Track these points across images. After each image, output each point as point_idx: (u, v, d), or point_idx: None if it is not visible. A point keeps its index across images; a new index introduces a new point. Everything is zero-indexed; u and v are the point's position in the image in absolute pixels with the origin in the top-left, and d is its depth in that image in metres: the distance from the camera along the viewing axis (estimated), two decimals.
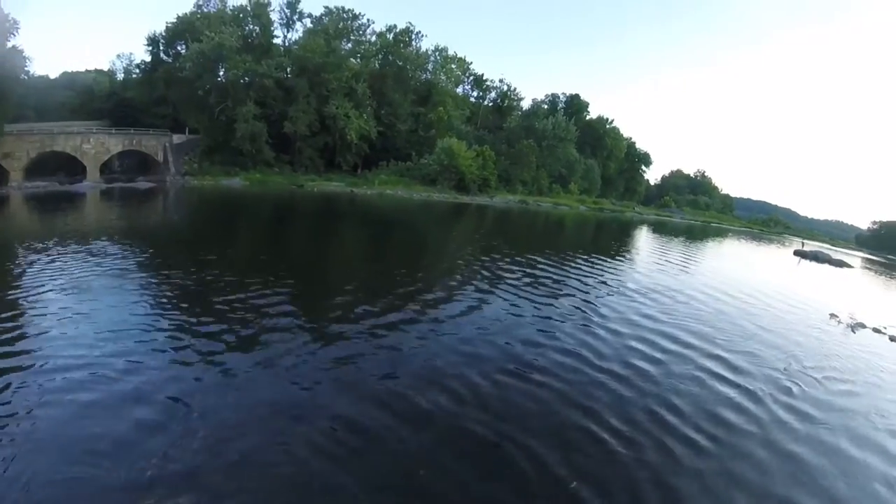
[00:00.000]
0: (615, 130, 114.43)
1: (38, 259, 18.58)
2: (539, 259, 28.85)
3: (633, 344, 15.09)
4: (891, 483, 9.37)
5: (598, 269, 28.44)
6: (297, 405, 9.72)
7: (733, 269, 37.93)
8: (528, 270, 25.12)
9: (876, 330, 21.76)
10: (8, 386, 9.30)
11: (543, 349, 14.03)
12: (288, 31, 76.72)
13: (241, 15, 68.93)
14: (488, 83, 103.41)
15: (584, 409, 10.66)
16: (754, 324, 19.75)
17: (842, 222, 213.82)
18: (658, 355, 14.26)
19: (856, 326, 21.72)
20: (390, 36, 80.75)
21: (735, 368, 13.97)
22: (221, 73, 65.54)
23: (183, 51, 68.67)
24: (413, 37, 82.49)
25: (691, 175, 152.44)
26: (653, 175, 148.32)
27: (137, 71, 79.60)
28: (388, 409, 9.90)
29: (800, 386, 13.33)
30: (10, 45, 45.33)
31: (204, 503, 6.93)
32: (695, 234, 71.98)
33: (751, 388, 12.68)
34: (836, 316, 23.05)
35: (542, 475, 8.36)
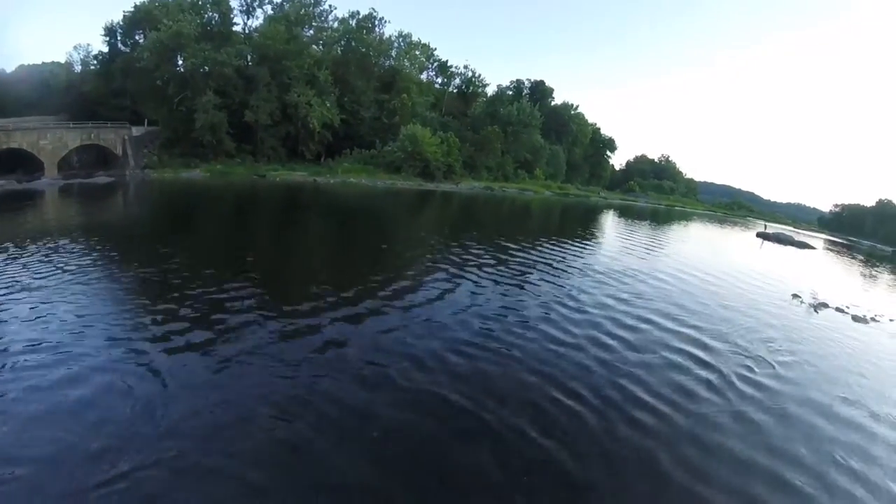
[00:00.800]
0: (580, 116, 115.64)
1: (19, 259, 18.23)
2: (506, 243, 29.29)
3: (602, 322, 15.62)
4: (845, 444, 10.04)
5: (564, 251, 29.09)
6: (273, 392, 9.82)
7: (697, 250, 39.14)
8: (496, 254, 25.55)
9: (838, 309, 22.36)
10: None
11: (514, 328, 14.48)
12: (248, 19, 75.61)
13: (199, 2, 67.50)
14: (453, 69, 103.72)
15: (554, 381, 11.20)
16: (718, 303, 20.33)
17: (804, 205, 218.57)
18: (624, 333, 14.70)
19: (818, 306, 22.23)
20: (353, 22, 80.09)
21: (699, 344, 14.42)
22: (180, 63, 64.38)
23: (141, 41, 67.54)
24: (376, 23, 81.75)
25: (655, 160, 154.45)
26: (618, 160, 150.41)
27: (95, 62, 77.94)
28: (367, 389, 10.21)
29: (764, 360, 13.82)
30: None
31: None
32: (659, 218, 73.81)
33: (715, 363, 13.08)
34: (799, 296, 23.58)
35: (517, 439, 8.92)
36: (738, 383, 12.05)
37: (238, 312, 13.81)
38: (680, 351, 13.70)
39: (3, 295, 14.15)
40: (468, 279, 19.79)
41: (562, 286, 20.27)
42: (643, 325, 15.66)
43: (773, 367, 13.47)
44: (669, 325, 16.05)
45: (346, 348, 12.19)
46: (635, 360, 12.70)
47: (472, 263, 22.64)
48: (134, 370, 10.21)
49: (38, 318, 12.66)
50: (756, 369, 13.08)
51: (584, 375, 11.63)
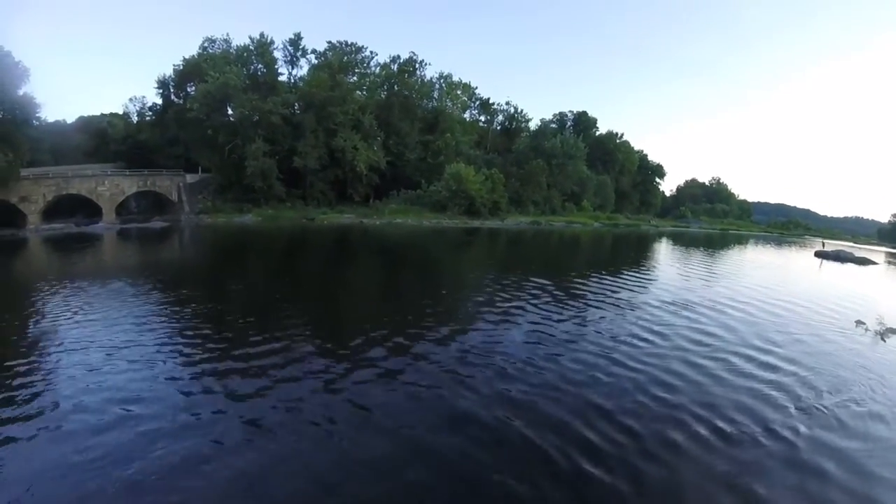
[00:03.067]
0: (626, 144, 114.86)
1: (56, 297, 19.25)
2: (555, 279, 28.87)
3: (665, 356, 15.30)
4: None
5: (617, 285, 28.29)
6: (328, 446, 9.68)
7: (754, 276, 36.75)
8: (547, 291, 25.11)
9: None
10: (26, 418, 9.71)
11: (574, 366, 14.36)
12: (293, 68, 78.24)
13: (244, 54, 70.33)
14: (495, 106, 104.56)
15: (620, 416, 11.25)
16: (779, 332, 19.27)
17: (862, 218, 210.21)
18: (684, 370, 14.26)
19: (885, 333, 20.35)
20: (394, 66, 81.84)
21: (759, 388, 13.33)
22: (229, 112, 67.03)
23: (192, 92, 70.04)
24: (417, 65, 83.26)
25: (706, 183, 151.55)
26: (668, 186, 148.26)
27: (150, 113, 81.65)
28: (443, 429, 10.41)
29: (828, 407, 12.41)
30: (21, 91, 46.74)
31: None
32: (714, 243, 71.42)
33: (775, 412, 11.94)
34: (863, 322, 21.64)
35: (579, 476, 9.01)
36: (800, 429, 11.04)
37: (293, 354, 13.97)
38: (737, 392, 12.90)
39: (66, 328, 14.98)
40: (522, 320, 19.49)
41: (618, 321, 19.92)
42: (701, 361, 15.10)
43: (838, 415, 12.03)
44: (723, 365, 15.09)
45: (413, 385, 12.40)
46: (698, 399, 12.34)
47: (526, 302, 22.31)
48: (187, 414, 10.32)
49: (99, 348, 13.39)
50: (822, 414, 11.94)
51: (650, 412, 11.54)
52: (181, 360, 13.31)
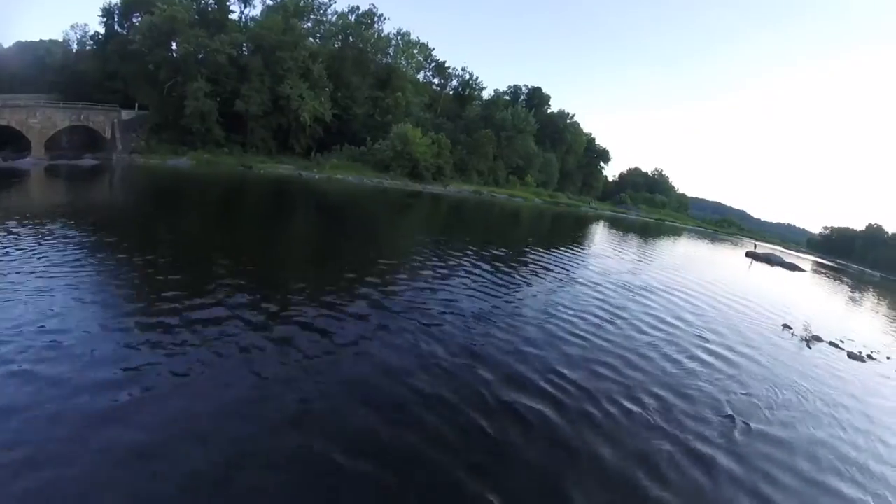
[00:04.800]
0: (576, 125, 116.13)
1: None
2: (496, 251, 29.24)
3: (587, 342, 15.23)
4: None
5: (552, 261, 28.91)
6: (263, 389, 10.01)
7: (686, 267, 37.90)
8: (484, 261, 25.44)
9: (833, 344, 20.93)
10: None
11: (499, 331, 14.99)
12: (245, 7, 76.15)
13: None
14: (450, 71, 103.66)
15: (524, 383, 11.78)
16: (705, 328, 19.36)
17: (793, 226, 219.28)
18: (604, 358, 14.15)
19: (811, 340, 20.76)
20: (352, 17, 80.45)
21: (678, 387, 13.10)
22: (173, 48, 64.56)
23: (138, 23, 67.10)
24: (376, 19, 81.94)
25: (649, 173, 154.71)
26: (611, 171, 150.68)
27: (91, 43, 77.55)
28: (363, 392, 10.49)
29: (752, 408, 12.48)
30: None
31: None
32: (650, 232, 73.68)
33: (696, 408, 11.89)
34: (790, 327, 22.13)
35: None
36: (716, 435, 10.87)
37: (215, 310, 13.63)
38: (648, 391, 12.59)
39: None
40: (457, 285, 19.91)
41: (545, 295, 20.40)
42: (619, 351, 14.94)
43: (762, 418, 12.11)
44: (649, 352, 15.19)
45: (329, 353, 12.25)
46: (608, 389, 12.25)
47: (461, 269, 22.81)
48: (118, 365, 10.08)
49: (23, 297, 12.70)
50: (743, 420, 11.72)
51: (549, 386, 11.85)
52: (106, 309, 12.92)
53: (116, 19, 73.13)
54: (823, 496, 9.54)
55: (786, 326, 22.34)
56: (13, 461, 7.19)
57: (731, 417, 11.66)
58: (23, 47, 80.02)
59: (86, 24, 79.72)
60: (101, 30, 74.96)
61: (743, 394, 13.32)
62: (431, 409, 10.12)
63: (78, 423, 8.14)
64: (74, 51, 78.99)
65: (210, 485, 7.36)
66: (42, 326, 11.31)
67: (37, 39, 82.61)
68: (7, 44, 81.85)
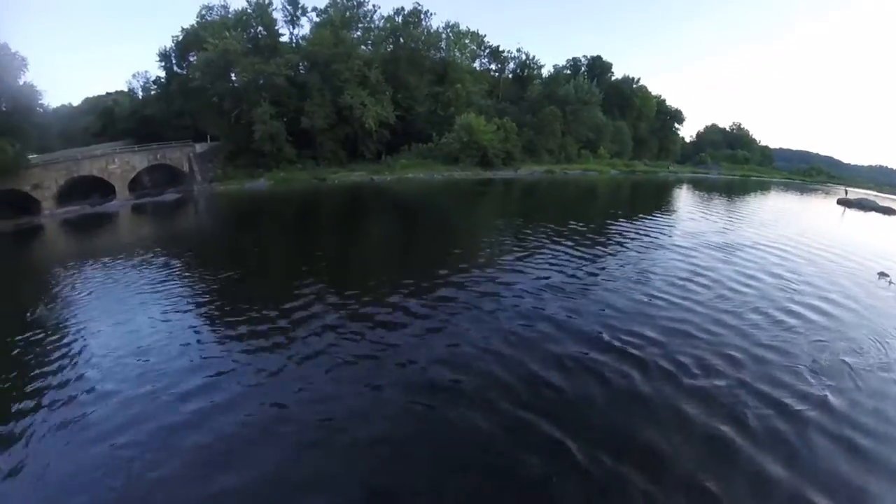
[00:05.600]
0: (643, 89, 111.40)
1: (76, 278, 19.59)
2: (574, 228, 28.68)
3: (685, 305, 15.24)
4: None
5: (635, 231, 28.24)
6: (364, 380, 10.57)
7: (776, 222, 35.69)
8: (564, 239, 25.22)
9: None
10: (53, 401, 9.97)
11: (588, 302, 15.45)
12: (294, 28, 76.56)
13: (244, 18, 68.84)
14: (505, 54, 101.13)
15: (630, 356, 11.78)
16: (798, 281, 18.60)
17: (887, 167, 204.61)
18: (703, 318, 14.16)
19: None
20: (399, 18, 79.52)
21: (778, 333, 13.04)
22: (233, 78, 65.83)
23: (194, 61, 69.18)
24: (422, 16, 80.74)
25: (727, 129, 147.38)
26: (687, 132, 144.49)
27: (154, 87, 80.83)
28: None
29: (846, 365, 11.60)
30: (21, 81, 46.33)
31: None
32: (735, 190, 70.01)
33: (787, 363, 11.53)
34: (887, 275, 20.26)
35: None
36: (812, 390, 10.36)
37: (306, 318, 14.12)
38: (752, 343, 12.42)
39: (89, 307, 15.37)
40: (543, 269, 19.70)
41: (630, 265, 20.31)
42: (718, 312, 14.69)
43: (861, 370, 11.31)
44: (741, 310, 14.93)
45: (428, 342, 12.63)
46: (710, 346, 12.20)
47: (543, 253, 22.33)
48: (218, 377, 10.77)
49: (123, 327, 13.70)
50: (834, 375, 11.08)
51: (669, 353, 11.89)
52: (206, 328, 13.79)
53: (174, 61, 75.66)
54: None
55: (882, 274, 20.60)
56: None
57: (827, 371, 11.19)
58: (91, 103, 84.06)
59: (146, 71, 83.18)
60: (162, 73, 77.87)
61: (841, 345, 12.70)
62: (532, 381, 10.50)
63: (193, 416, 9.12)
64: (140, 97, 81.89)
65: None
66: (145, 345, 12.32)
67: (103, 93, 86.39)
68: (76, 102, 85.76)
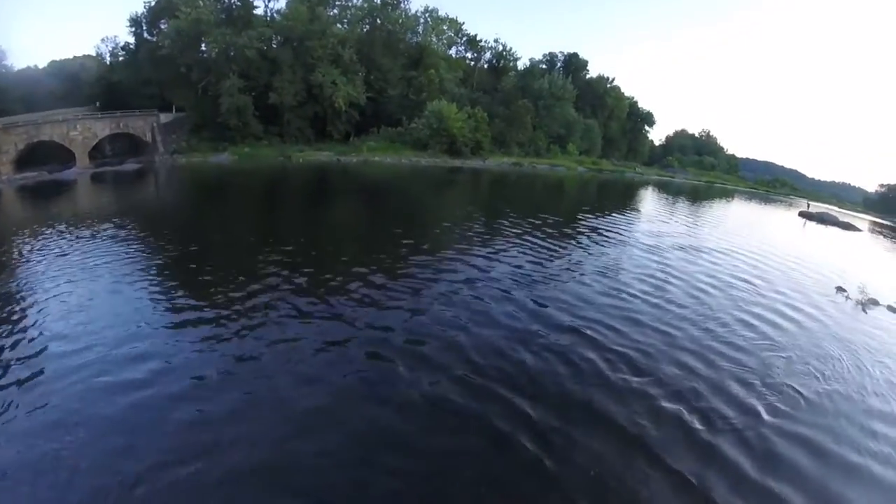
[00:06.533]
0: (616, 90, 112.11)
1: (31, 247, 18.86)
2: (538, 221, 28.64)
3: (638, 309, 14.95)
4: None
5: (601, 233, 28.01)
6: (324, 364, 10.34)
7: (738, 229, 36.39)
8: (531, 233, 25.20)
9: (891, 308, 19.02)
10: (37, 371, 9.60)
11: (555, 292, 15.58)
12: (269, 1, 75.32)
13: None
14: (482, 43, 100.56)
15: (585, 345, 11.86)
16: (754, 291, 18.58)
17: (849, 184, 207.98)
18: (654, 324, 13.78)
19: (867, 303, 18.97)
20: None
21: (725, 351, 12.56)
22: (203, 49, 64.80)
23: (166, 29, 67.70)
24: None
25: (696, 135, 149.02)
26: (657, 135, 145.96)
27: (123, 53, 78.47)
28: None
29: (796, 378, 11.49)
30: None
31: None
32: (699, 195, 71.23)
33: (743, 379, 11.20)
34: (845, 290, 20.38)
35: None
36: (760, 403, 10.19)
37: (268, 299, 13.84)
38: (703, 355, 12.18)
39: (43, 279, 14.76)
40: (505, 258, 19.87)
41: (593, 260, 20.51)
42: (671, 319, 14.36)
43: (808, 388, 11.11)
44: (696, 312, 15.00)
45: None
46: (659, 358, 11.75)
47: (508, 244, 22.38)
48: (176, 355, 10.48)
49: (79, 298, 13.26)
50: (787, 389, 10.93)
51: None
52: (162, 304, 13.31)
53: (145, 28, 73.41)
54: (883, 470, 8.73)
55: (840, 289, 20.69)
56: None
57: (777, 387, 10.90)
58: (58, 66, 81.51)
59: (116, 36, 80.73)
60: (131, 39, 75.64)
61: (790, 361, 12.43)
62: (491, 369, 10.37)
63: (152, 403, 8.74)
64: (108, 63, 79.92)
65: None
66: (120, 318, 12.01)
67: (70, 56, 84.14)
68: (42, 64, 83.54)
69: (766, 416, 9.66)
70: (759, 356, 12.36)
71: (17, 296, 13.45)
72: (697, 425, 9.10)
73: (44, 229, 21.71)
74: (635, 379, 10.45)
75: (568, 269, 19.00)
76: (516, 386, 9.72)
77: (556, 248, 22.21)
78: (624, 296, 16.00)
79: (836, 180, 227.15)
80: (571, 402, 9.41)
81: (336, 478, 7.23)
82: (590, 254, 21.87)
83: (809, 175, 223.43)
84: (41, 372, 9.45)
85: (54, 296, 13.32)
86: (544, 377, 10.25)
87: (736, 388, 10.62)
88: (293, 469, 7.35)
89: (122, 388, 9.03)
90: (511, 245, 21.88)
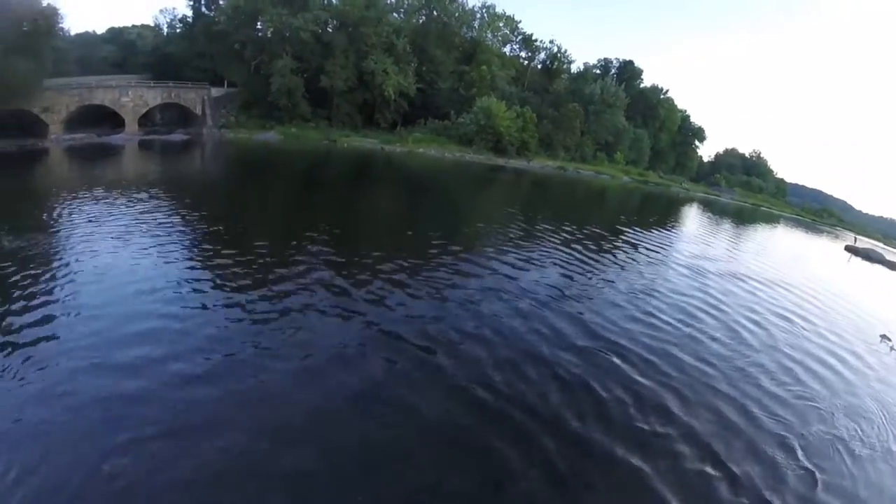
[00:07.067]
0: (669, 101, 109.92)
1: (65, 210, 18.73)
2: (576, 231, 27.82)
3: (668, 341, 13.63)
4: None
5: (644, 245, 27.53)
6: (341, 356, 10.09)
7: (779, 258, 34.82)
8: (567, 242, 24.40)
9: None
10: (41, 338, 9.31)
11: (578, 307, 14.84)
12: None
13: None
14: (538, 44, 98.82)
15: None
16: (790, 331, 16.85)
17: (894, 220, 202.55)
18: (684, 359, 12.62)
19: None
20: None
21: (760, 389, 11.56)
22: (258, 27, 65.26)
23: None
24: None
25: (746, 155, 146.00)
26: (707, 152, 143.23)
27: (180, 25, 79.51)
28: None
29: (832, 438, 10.12)
30: (44, 2, 45.32)
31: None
32: (744, 217, 69.08)
33: (770, 425, 10.12)
34: (889, 339, 18.56)
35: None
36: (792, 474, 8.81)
37: (298, 287, 13.47)
38: (733, 402, 10.84)
39: (81, 241, 14.80)
40: (541, 266, 19.30)
41: (629, 277, 19.67)
42: (703, 356, 13.08)
43: (839, 461, 9.52)
44: (737, 354, 13.59)
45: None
46: (683, 407, 10.36)
47: (542, 251, 21.80)
48: (202, 329, 10.36)
49: (112, 264, 13.25)
50: (824, 450, 9.67)
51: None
52: (181, 283, 12.83)
53: (203, 2, 74.02)
54: None
55: (884, 337, 18.83)
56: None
57: (813, 447, 9.60)
58: (115, 33, 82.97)
59: (174, 8, 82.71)
60: (189, 13, 76.44)
61: (827, 417, 10.94)
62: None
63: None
64: (165, 34, 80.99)
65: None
66: (138, 291, 11.72)
67: (129, 25, 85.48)
68: (100, 31, 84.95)
69: (789, 479, 8.59)
70: (795, 408, 11.11)
71: (39, 259, 13.20)
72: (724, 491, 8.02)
73: (82, 192, 21.71)
74: (660, 422, 9.42)
75: (601, 286, 18.07)
76: (532, 414, 9.02)
77: (591, 261, 21.32)
78: (656, 322, 14.82)
79: (885, 215, 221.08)
80: (590, 443, 8.55)
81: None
82: (625, 271, 20.85)
83: (857, 207, 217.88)
84: (38, 342, 9.13)
85: (76, 261, 13.10)
86: (563, 409, 9.37)
87: (769, 446, 9.42)
88: (269, 464, 6.93)
89: (121, 365, 8.68)
90: (544, 254, 21.17)
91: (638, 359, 11.90)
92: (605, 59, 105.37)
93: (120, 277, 12.41)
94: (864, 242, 64.56)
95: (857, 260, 48.16)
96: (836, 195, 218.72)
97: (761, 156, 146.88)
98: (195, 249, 15.65)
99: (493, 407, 8.99)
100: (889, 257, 52.12)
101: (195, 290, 12.18)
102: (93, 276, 12.28)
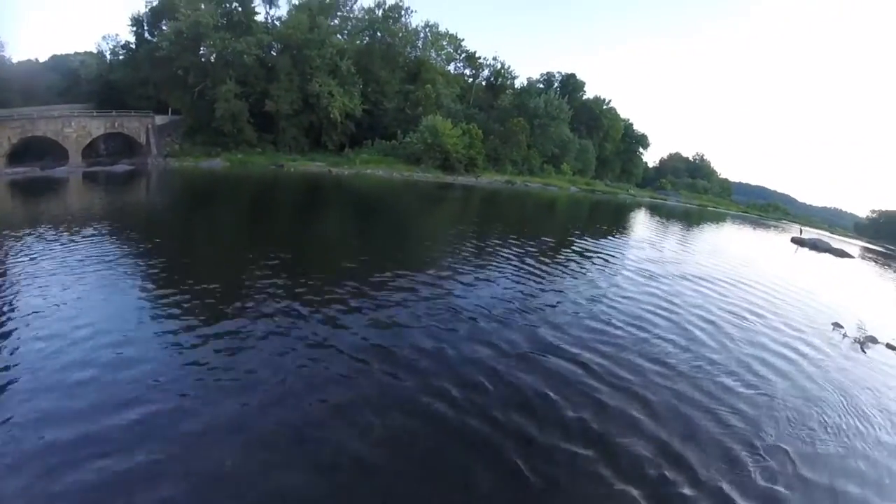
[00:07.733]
0: (612, 111, 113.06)
1: (13, 246, 18.32)
2: (529, 241, 28.58)
3: (621, 344, 13.94)
4: None
5: (595, 251, 28.23)
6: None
7: (727, 253, 36.34)
8: (520, 251, 25.05)
9: (890, 346, 17.85)
10: None
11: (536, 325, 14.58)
12: (270, 8, 75.90)
13: None
14: (481, 61, 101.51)
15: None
16: (745, 329, 17.02)
17: (840, 210, 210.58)
18: (636, 361, 12.84)
19: (865, 341, 17.77)
20: (379, 12, 79.54)
21: (716, 391, 11.62)
22: (201, 52, 65.10)
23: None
24: (402, 13, 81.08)
25: (690, 158, 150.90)
26: (651, 158, 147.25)
27: (123, 52, 78.53)
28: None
29: (793, 430, 10.42)
30: None
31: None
32: (691, 218, 70.93)
33: (731, 423, 10.26)
34: (841, 326, 19.02)
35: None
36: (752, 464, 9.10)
37: (252, 306, 13.73)
38: (685, 397, 11.18)
39: (20, 282, 14.32)
40: (495, 278, 19.66)
41: (578, 289, 19.58)
42: (654, 355, 13.40)
43: (802, 448, 9.89)
44: (683, 354, 13.78)
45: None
46: (636, 401, 10.77)
47: (497, 262, 22.44)
48: (157, 362, 10.30)
49: (62, 299, 12.97)
50: (785, 442, 9.91)
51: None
52: (140, 311, 12.89)
53: (146, 27, 73.45)
54: None
55: (836, 325, 19.28)
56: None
57: (774, 439, 9.97)
58: (58, 61, 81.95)
59: (117, 35, 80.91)
60: (132, 38, 75.68)
61: (787, 409, 11.31)
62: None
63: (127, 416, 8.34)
64: (108, 61, 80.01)
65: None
66: (82, 336, 11.18)
67: (72, 52, 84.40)
68: (43, 58, 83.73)
69: (756, 476, 8.76)
70: (755, 402, 11.36)
71: None
72: (687, 489, 8.26)
73: (29, 228, 21.49)
74: (621, 425, 9.69)
75: (554, 297, 18.23)
76: (495, 426, 9.20)
77: (544, 273, 21.69)
78: (610, 329, 14.96)
79: (828, 205, 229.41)
80: (552, 451, 8.69)
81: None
82: (577, 280, 21.07)
83: (801, 200, 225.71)
84: None
85: (29, 297, 13.08)
86: (525, 420, 9.52)
87: (731, 442, 9.68)
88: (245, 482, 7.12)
89: (62, 415, 8.45)
90: (496, 269, 21.32)
91: (595, 365, 12.09)
92: (549, 73, 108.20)
93: (63, 321, 12.05)
94: (810, 233, 67.40)
95: (804, 250, 50.01)
96: (779, 190, 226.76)
97: (704, 158, 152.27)
98: (142, 285, 15.31)
99: (455, 422, 9.22)
100: (834, 245, 54.68)
101: (143, 328, 12.04)
102: (33, 318, 12.02)
